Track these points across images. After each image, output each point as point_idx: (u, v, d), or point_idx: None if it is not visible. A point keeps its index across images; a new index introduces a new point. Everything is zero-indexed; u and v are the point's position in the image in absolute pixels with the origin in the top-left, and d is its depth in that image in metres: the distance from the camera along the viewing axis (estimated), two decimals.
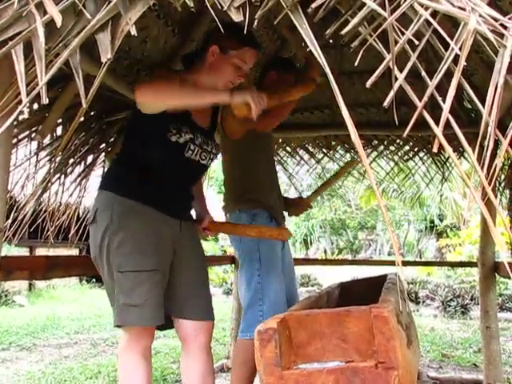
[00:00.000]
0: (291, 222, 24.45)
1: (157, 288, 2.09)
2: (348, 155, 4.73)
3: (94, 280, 12.08)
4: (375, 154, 4.58)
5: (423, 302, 10.51)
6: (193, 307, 2.23)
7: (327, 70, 1.23)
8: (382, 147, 4.54)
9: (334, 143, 4.62)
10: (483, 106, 1.19)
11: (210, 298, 2.33)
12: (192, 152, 2.18)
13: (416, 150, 4.54)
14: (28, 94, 1.39)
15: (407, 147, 4.54)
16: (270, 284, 2.67)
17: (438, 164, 4.62)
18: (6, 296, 9.29)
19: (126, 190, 2.10)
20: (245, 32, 2.11)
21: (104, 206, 2.11)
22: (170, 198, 2.13)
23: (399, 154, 4.60)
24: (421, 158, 4.62)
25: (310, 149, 4.79)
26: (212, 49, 2.15)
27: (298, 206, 3.29)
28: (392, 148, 4.55)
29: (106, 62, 1.40)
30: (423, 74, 1.19)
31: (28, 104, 1.39)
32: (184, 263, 2.24)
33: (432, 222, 22.25)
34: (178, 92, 1.99)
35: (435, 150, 1.18)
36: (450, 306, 9.18)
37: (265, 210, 2.78)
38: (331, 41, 3.53)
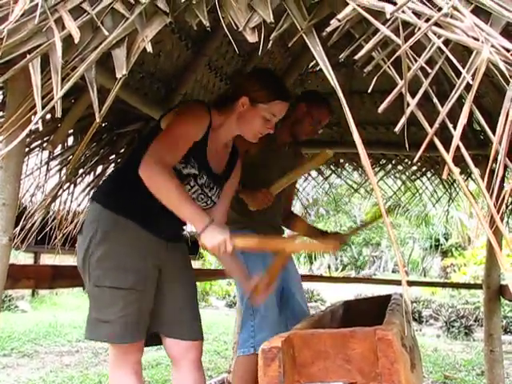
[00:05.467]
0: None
1: (131, 306, 2.05)
2: (356, 173, 4.74)
3: None
4: (383, 172, 4.59)
5: (426, 321, 10.47)
6: (182, 328, 2.21)
7: (337, 88, 1.24)
8: (389, 166, 4.54)
9: (342, 160, 4.64)
10: (493, 128, 1.20)
11: (198, 317, 2.30)
12: (191, 188, 2.13)
13: (424, 170, 4.54)
14: (43, 107, 1.41)
15: (415, 167, 4.54)
16: None
17: (446, 184, 4.62)
18: (9, 301, 9.30)
19: (115, 205, 2.08)
20: (275, 84, 2.13)
21: (91, 218, 2.10)
22: (158, 218, 2.08)
23: (407, 173, 4.60)
24: (428, 178, 4.62)
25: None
26: (242, 100, 2.11)
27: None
28: (400, 167, 4.56)
29: (120, 78, 1.42)
30: (435, 100, 1.21)
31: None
32: (171, 283, 2.21)
33: (437, 240, 22.18)
34: (169, 202, 1.92)
35: (444, 176, 1.19)
36: (453, 326, 9.13)
37: (254, 231, 2.71)
38: (342, 58, 3.55)
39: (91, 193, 2.28)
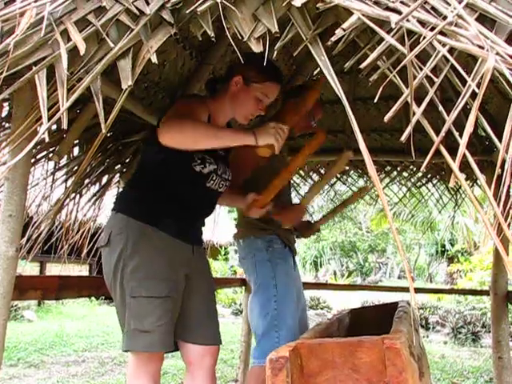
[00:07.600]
0: (301, 244, 24.38)
1: (168, 315, 2.07)
2: (361, 180, 4.73)
3: (103, 297, 12.05)
4: (388, 179, 4.58)
5: (433, 327, 10.39)
6: (201, 332, 2.22)
7: (342, 96, 1.25)
8: (395, 173, 4.54)
9: (347, 168, 4.63)
10: (497, 133, 1.20)
11: (217, 322, 2.31)
12: (213, 182, 2.19)
13: (429, 176, 4.53)
14: (49, 118, 1.41)
15: (420, 173, 4.53)
16: (286, 310, 2.63)
17: (451, 190, 4.61)
18: (15, 311, 9.28)
19: (143, 215, 2.09)
20: (269, 65, 2.16)
21: (119, 230, 2.10)
22: (185, 225, 2.09)
23: (412, 180, 4.59)
24: (434, 185, 4.61)
25: (323, 173, 4.78)
26: (235, 79, 2.15)
27: (308, 229, 3.28)
28: (405, 174, 4.55)
29: (126, 89, 1.43)
30: (440, 108, 1.21)
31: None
32: (194, 288, 2.23)
33: (443, 246, 22.11)
34: (204, 136, 1.95)
35: (451, 184, 1.18)
36: (460, 332, 9.06)
37: (278, 236, 2.77)
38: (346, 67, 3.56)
39: (113, 204, 2.26)
